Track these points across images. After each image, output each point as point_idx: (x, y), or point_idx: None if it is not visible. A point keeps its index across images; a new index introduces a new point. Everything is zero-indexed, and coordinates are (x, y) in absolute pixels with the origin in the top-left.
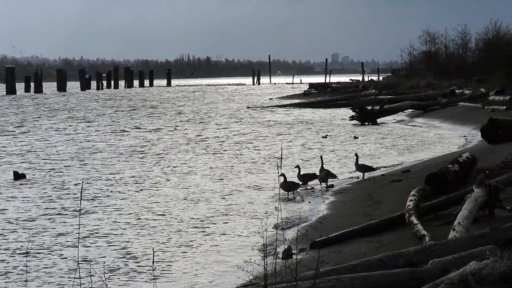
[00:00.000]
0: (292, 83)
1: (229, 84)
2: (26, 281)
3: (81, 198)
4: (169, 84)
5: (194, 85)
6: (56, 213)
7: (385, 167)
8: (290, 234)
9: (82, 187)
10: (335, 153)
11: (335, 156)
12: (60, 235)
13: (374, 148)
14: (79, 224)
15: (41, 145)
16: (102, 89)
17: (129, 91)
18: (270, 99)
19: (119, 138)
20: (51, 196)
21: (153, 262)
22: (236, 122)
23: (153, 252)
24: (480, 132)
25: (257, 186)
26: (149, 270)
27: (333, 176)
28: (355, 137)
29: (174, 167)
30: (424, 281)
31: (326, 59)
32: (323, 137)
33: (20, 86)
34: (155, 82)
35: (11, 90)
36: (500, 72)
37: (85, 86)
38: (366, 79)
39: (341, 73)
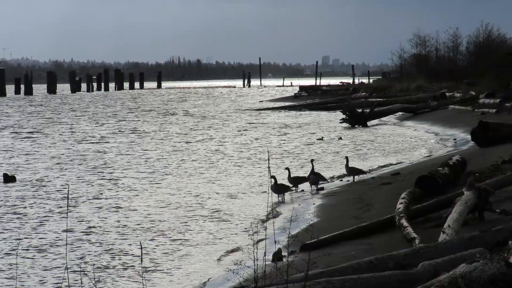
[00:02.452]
0: (283, 86)
1: (219, 87)
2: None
3: (68, 200)
4: (159, 86)
5: (184, 88)
6: (42, 215)
7: (375, 169)
8: (281, 236)
9: (69, 190)
10: (325, 155)
11: (325, 158)
12: (42, 237)
13: (364, 150)
14: (67, 223)
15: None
16: (93, 91)
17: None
18: (260, 101)
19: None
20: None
21: (141, 262)
22: (226, 125)
23: (141, 254)
24: (471, 135)
25: (247, 188)
26: (138, 271)
27: (323, 179)
28: (340, 138)
29: (165, 168)
30: (414, 283)
31: (317, 62)
32: (318, 139)
33: (9, 88)
34: (145, 84)
35: (1, 92)
36: (491, 75)
37: (75, 88)
38: (356, 81)
39: (331, 75)
